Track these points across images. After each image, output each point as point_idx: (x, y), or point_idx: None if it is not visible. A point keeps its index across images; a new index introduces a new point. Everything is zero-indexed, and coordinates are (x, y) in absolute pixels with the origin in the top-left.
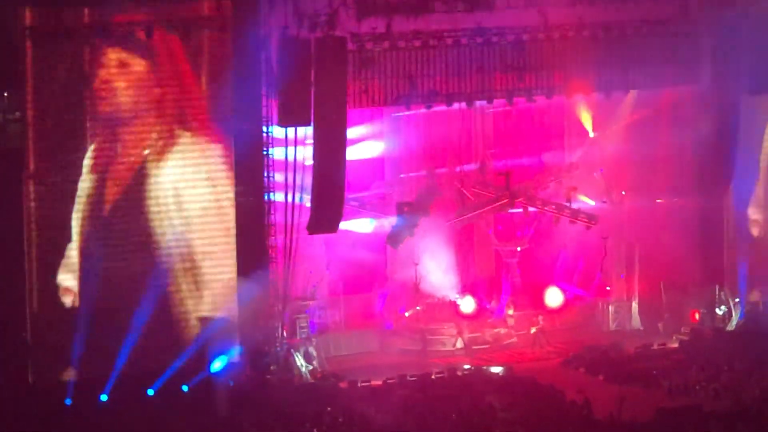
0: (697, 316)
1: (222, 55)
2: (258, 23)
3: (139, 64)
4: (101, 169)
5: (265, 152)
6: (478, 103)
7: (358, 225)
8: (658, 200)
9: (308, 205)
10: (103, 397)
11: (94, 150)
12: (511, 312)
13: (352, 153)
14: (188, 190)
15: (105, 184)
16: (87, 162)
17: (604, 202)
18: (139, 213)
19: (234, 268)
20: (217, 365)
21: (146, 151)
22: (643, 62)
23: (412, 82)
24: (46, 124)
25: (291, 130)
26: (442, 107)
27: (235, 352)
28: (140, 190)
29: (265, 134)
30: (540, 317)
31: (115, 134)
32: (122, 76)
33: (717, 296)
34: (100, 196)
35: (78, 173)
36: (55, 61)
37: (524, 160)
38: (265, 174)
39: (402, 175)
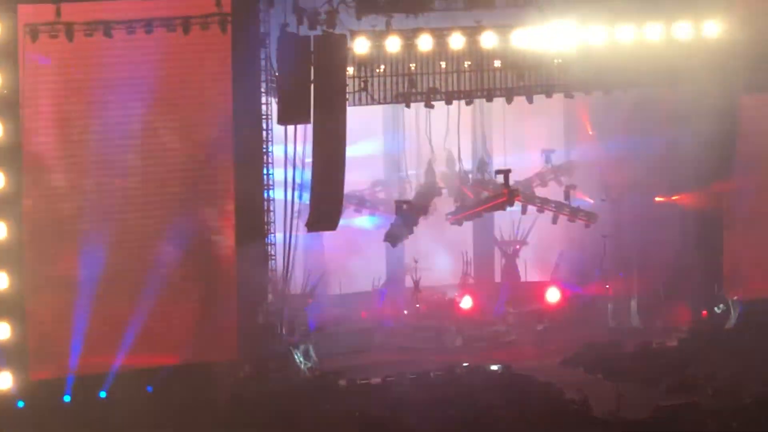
0: (695, 314)
1: (221, 53)
2: (257, 20)
3: (138, 61)
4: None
5: (264, 150)
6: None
7: (357, 222)
8: (657, 198)
9: (308, 202)
10: (102, 394)
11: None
12: (510, 310)
13: (351, 151)
14: (188, 187)
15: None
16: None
17: (604, 200)
18: (138, 209)
19: (233, 266)
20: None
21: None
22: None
23: (411, 79)
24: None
25: (291, 128)
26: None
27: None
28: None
29: (264, 132)
30: (546, 319)
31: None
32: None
33: (716, 294)
34: (102, 192)
35: (76, 175)
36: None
37: (523, 158)
38: (265, 171)
39: (400, 173)
